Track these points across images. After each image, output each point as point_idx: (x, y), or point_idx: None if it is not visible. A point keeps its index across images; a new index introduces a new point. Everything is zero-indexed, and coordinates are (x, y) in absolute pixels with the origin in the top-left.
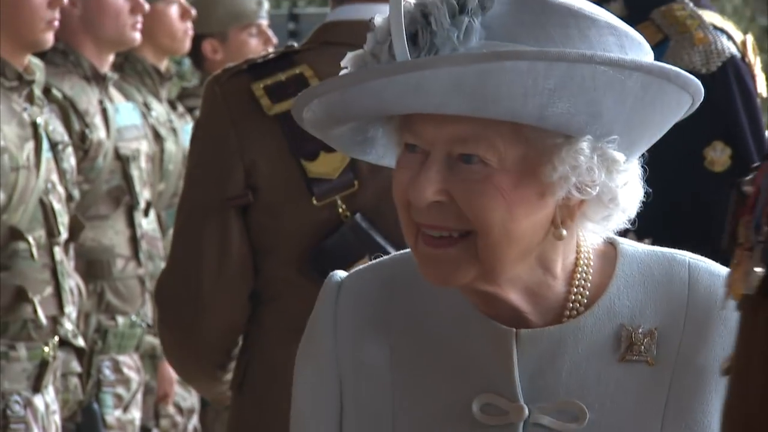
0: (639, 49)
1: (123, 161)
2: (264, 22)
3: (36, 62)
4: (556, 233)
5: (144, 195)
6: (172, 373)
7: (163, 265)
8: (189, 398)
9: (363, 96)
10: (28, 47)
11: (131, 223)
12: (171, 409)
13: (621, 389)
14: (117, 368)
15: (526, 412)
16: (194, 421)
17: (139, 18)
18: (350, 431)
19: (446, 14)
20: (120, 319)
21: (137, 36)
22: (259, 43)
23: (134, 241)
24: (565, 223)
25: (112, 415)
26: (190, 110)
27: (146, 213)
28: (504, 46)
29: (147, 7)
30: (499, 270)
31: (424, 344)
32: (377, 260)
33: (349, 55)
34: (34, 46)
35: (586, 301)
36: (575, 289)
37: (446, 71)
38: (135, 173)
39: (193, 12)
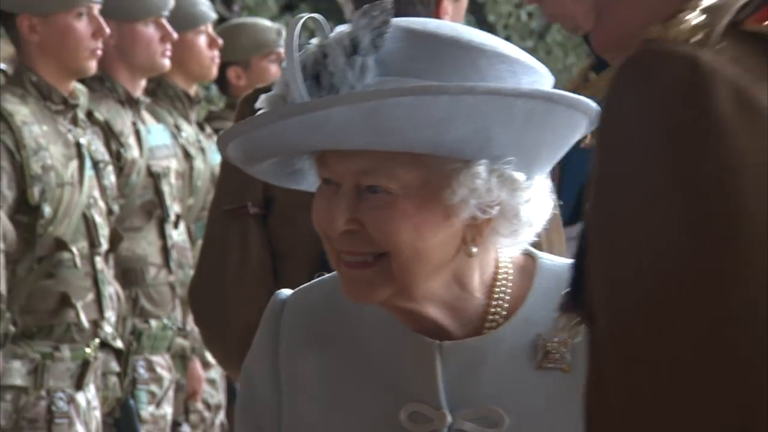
0: (532, 73)
1: (155, 178)
2: (283, 50)
3: (80, 87)
4: (466, 250)
5: (174, 209)
6: (200, 371)
7: (192, 272)
8: (216, 395)
9: (269, 137)
10: (73, 74)
11: (162, 235)
12: (199, 405)
13: (538, 395)
14: (150, 367)
15: (449, 419)
16: (221, 416)
17: (168, 46)
18: None
19: (341, 54)
20: (153, 323)
21: (167, 62)
22: (278, 69)
23: (165, 250)
24: (475, 240)
25: (146, 410)
26: (216, 131)
27: (176, 225)
28: (398, 81)
29: (175, 35)
30: (413, 287)
31: (357, 357)
32: (319, 279)
33: (262, 97)
34: (79, 73)
35: (505, 312)
36: (494, 302)
37: (339, 110)
38: (166, 189)
39: (220, 41)
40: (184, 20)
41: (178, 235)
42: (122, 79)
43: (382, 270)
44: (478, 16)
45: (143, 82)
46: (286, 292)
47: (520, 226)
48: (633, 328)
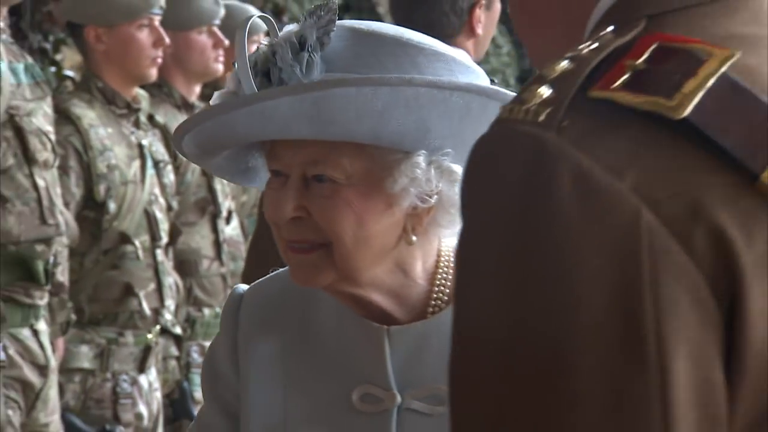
0: (468, 72)
1: (208, 177)
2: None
3: (142, 93)
4: (407, 239)
5: (225, 205)
6: None
7: (242, 264)
8: None
9: (221, 129)
10: (135, 80)
11: (215, 229)
12: None
13: None
14: (203, 352)
15: (399, 398)
16: None
17: (221, 52)
18: (246, 420)
19: (289, 51)
20: (206, 311)
21: (220, 68)
22: None
23: (217, 244)
24: (415, 229)
25: (200, 392)
26: None
27: (228, 220)
28: (342, 76)
29: (227, 42)
30: (356, 273)
31: (311, 343)
32: (275, 272)
33: (216, 93)
34: (141, 80)
35: (446, 298)
36: (436, 288)
37: (285, 101)
38: (218, 187)
39: None
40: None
41: (231, 229)
42: (178, 85)
43: (326, 256)
44: (509, 26)
45: (198, 88)
46: (243, 286)
47: (459, 216)
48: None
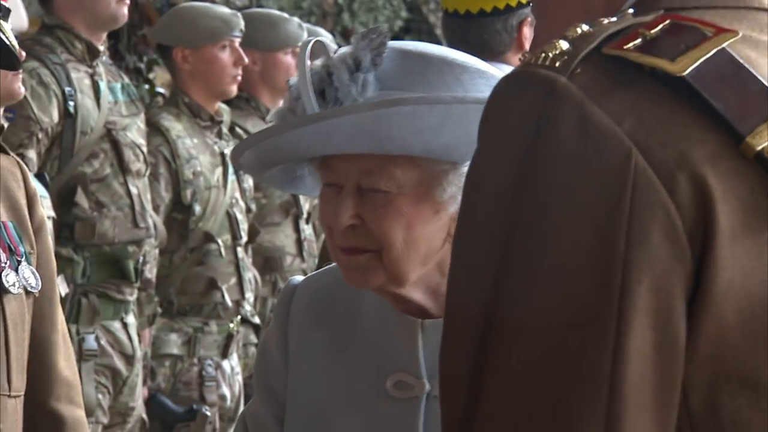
0: None
1: None
2: None
3: (224, 107)
4: (450, 241)
5: (306, 207)
6: None
7: (315, 262)
8: None
9: (283, 145)
10: (218, 96)
11: (297, 229)
12: None
13: None
14: None
15: (427, 386)
16: None
17: None
18: (292, 404)
19: (345, 72)
20: None
21: None
22: None
23: (299, 242)
24: None
25: None
26: None
27: (308, 221)
28: (394, 94)
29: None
30: (404, 276)
31: (353, 334)
32: (327, 267)
33: (273, 111)
34: (223, 95)
35: None
36: None
37: (347, 119)
38: None
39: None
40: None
41: (308, 229)
42: (264, 99)
43: (376, 258)
44: None
45: (282, 102)
46: (298, 279)
47: None
48: (447, 318)
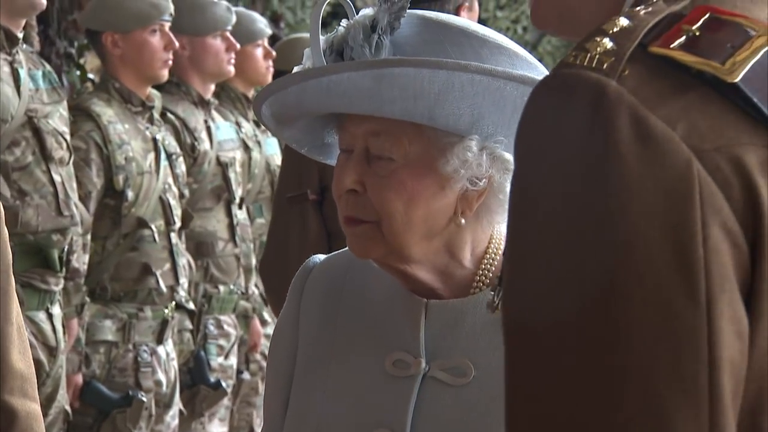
0: (529, 67)
1: (223, 167)
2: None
3: (155, 92)
4: (456, 221)
5: (238, 192)
6: (259, 328)
7: (251, 245)
8: None
9: (292, 99)
10: (148, 81)
11: (229, 214)
12: (258, 356)
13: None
14: (219, 325)
15: (424, 366)
16: None
17: (233, 55)
18: (297, 379)
19: (361, 32)
20: (221, 288)
21: (232, 69)
22: None
23: (231, 227)
24: (465, 213)
25: (216, 361)
26: None
27: (240, 206)
28: (402, 58)
29: (238, 46)
30: (405, 250)
31: (360, 311)
32: (345, 249)
33: (296, 68)
34: (154, 80)
35: (488, 280)
36: (481, 271)
37: (348, 76)
38: (232, 176)
39: (274, 53)
40: (245, 35)
41: (241, 214)
42: (195, 84)
43: (376, 228)
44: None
45: (212, 87)
46: (319, 257)
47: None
48: (519, 336)
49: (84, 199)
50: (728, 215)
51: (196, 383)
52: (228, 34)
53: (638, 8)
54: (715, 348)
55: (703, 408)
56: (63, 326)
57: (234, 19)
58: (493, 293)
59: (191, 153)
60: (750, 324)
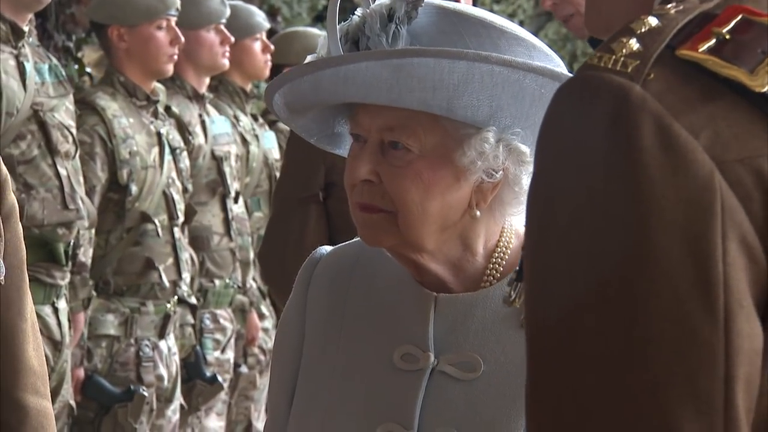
0: (547, 59)
1: (217, 161)
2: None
3: (159, 86)
4: (471, 213)
5: (234, 186)
6: (257, 322)
7: (248, 239)
8: (270, 341)
9: (308, 88)
10: (154, 75)
11: (224, 208)
12: (256, 350)
13: (516, 350)
14: (215, 319)
15: (432, 360)
16: None
17: (227, 48)
18: (305, 368)
19: (378, 22)
20: (217, 282)
21: (226, 63)
22: None
23: (227, 222)
24: (480, 205)
25: (212, 355)
26: (271, 124)
27: (236, 200)
28: (421, 48)
29: (232, 39)
30: (419, 241)
31: (368, 304)
32: (353, 240)
33: (309, 57)
34: (159, 75)
35: (499, 275)
36: (491, 265)
37: (366, 65)
38: (227, 170)
39: (272, 47)
40: (243, 29)
41: (237, 208)
42: (189, 78)
43: (391, 218)
44: None
45: (207, 80)
46: (326, 248)
47: (523, 195)
48: (540, 346)
49: (88, 193)
50: (748, 229)
51: (192, 378)
52: (222, 27)
53: (669, 5)
54: (733, 367)
55: (718, 426)
56: (68, 320)
57: (228, 12)
58: (509, 287)
59: (186, 147)
60: (765, 340)
